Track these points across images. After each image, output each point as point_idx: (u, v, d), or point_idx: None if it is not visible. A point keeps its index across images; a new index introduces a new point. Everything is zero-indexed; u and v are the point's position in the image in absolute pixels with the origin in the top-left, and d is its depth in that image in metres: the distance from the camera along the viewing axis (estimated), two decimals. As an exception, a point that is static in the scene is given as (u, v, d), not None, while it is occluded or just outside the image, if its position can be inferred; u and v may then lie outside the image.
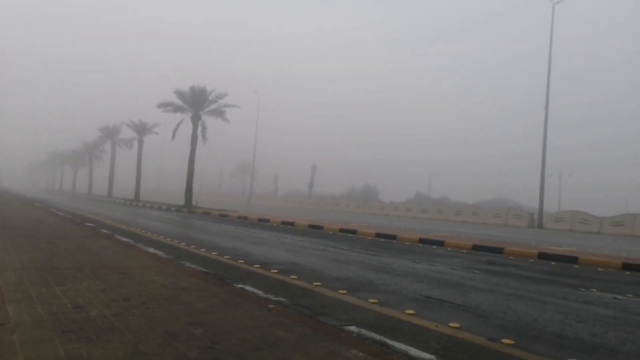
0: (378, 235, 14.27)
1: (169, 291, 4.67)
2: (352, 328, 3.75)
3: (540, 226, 28.45)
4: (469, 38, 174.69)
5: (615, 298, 6.05)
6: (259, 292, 4.97)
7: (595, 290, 6.59)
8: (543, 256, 10.46)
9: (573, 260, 9.98)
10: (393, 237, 13.81)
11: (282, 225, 17.54)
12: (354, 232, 15.13)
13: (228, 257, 8.03)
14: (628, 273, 8.75)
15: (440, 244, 12.49)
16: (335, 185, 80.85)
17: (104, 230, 11.21)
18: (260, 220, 19.58)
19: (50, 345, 2.93)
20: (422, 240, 13.00)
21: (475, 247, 11.74)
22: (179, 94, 30.87)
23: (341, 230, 15.59)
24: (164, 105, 31.31)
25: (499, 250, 11.21)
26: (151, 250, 8.03)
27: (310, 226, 16.92)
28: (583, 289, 6.59)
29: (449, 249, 11.80)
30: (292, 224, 17.77)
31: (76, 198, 44.84)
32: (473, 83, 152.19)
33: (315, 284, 5.85)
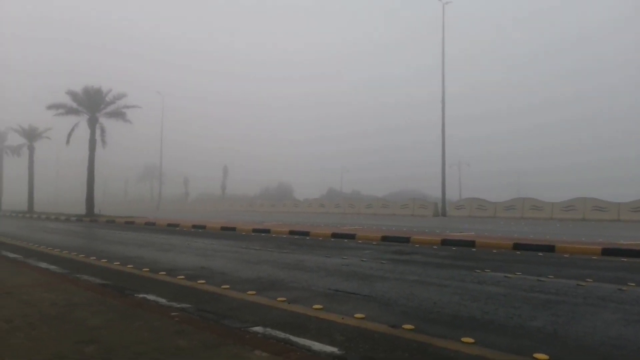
0: (292, 232, 14.32)
1: (60, 309, 4.31)
2: (258, 329, 3.70)
3: (444, 214, 30.28)
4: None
5: (506, 276, 6.57)
6: (162, 301, 4.75)
7: (489, 270, 7.11)
8: (445, 242, 11.12)
9: (471, 244, 10.71)
10: (306, 233, 13.93)
11: (192, 229, 17.00)
12: (267, 231, 15.05)
13: (132, 266, 7.61)
14: (518, 252, 9.56)
15: (351, 237, 12.81)
16: (249, 186, 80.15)
17: (-12, 248, 10.12)
18: (169, 225, 18.82)
19: None
20: (334, 235, 13.25)
21: (384, 238, 12.19)
22: (72, 94, 28.59)
23: (254, 230, 15.44)
24: (56, 107, 28.79)
25: (406, 240, 11.74)
26: (43, 265, 7.38)
27: (223, 228, 16.58)
28: (478, 271, 7.09)
29: (359, 241, 12.13)
30: (203, 227, 17.29)
31: (-43, 213, 40.09)
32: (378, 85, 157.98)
33: (223, 287, 5.72)
